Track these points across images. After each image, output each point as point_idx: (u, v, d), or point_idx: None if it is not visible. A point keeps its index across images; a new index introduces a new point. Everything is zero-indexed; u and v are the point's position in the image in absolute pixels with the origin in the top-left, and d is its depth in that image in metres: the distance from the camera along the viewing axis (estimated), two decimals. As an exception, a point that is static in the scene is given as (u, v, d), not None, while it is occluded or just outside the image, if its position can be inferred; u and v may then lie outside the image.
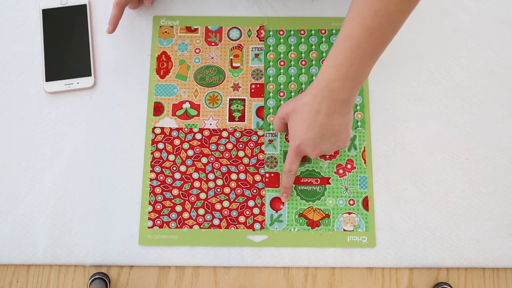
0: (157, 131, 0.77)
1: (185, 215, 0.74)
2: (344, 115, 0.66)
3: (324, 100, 0.65)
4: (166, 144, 0.77)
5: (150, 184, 0.75)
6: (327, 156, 0.76)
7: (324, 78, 0.64)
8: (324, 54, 0.81)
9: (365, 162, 0.76)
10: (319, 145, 0.68)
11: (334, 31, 0.81)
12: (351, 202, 0.75)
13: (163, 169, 0.76)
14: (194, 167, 0.76)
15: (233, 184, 0.75)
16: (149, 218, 0.74)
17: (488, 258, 0.73)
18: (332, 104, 0.65)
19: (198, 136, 0.77)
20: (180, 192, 0.75)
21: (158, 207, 0.75)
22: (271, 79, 0.80)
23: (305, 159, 0.76)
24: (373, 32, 0.61)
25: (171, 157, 0.76)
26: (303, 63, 0.80)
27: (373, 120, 0.78)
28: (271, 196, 0.75)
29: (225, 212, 0.74)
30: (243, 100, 0.79)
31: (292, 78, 0.80)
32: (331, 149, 0.69)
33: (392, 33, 0.63)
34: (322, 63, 0.80)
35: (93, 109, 0.79)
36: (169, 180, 0.76)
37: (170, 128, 0.78)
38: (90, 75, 0.79)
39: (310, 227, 0.74)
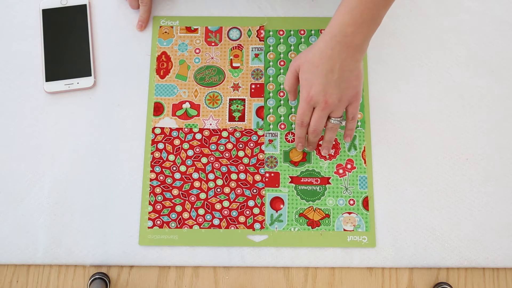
0: (157, 131, 0.78)
1: (185, 215, 0.74)
2: (356, 61, 0.67)
3: (338, 45, 0.65)
4: (166, 144, 0.77)
5: (150, 184, 0.75)
6: (327, 156, 0.76)
7: (337, 24, 0.65)
8: (324, 54, 0.81)
9: (365, 162, 0.76)
10: (329, 90, 0.67)
11: (334, 31, 0.81)
12: (351, 202, 0.75)
13: (163, 169, 0.76)
14: (194, 167, 0.76)
15: (233, 184, 0.75)
16: (149, 218, 0.74)
17: (488, 258, 0.73)
18: (345, 49, 0.65)
19: (198, 136, 0.77)
20: (180, 192, 0.75)
21: (158, 207, 0.75)
22: (271, 79, 0.80)
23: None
24: None
25: (171, 157, 0.76)
26: (303, 63, 0.80)
27: (373, 120, 0.78)
28: (271, 196, 0.75)
29: (225, 212, 0.74)
30: (243, 100, 0.79)
31: (292, 78, 0.80)
32: (341, 98, 0.68)
33: None
34: None
35: (93, 109, 0.79)
36: (169, 180, 0.76)
37: (170, 128, 0.78)
38: (90, 75, 0.79)
39: (310, 227, 0.74)
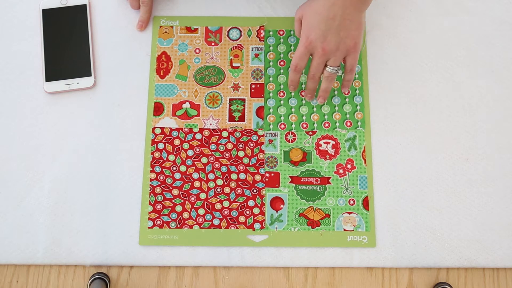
0: (157, 131, 0.78)
1: (185, 215, 0.74)
2: (358, 11, 0.68)
3: None
4: (166, 144, 0.77)
5: (150, 184, 0.75)
6: (327, 156, 0.76)
7: None
8: (324, 54, 0.81)
9: (365, 162, 0.76)
10: (328, 37, 0.68)
11: (334, 31, 0.81)
12: (351, 202, 0.75)
13: (163, 169, 0.76)
14: (194, 167, 0.76)
15: (233, 184, 0.75)
16: (149, 218, 0.74)
17: (488, 258, 0.73)
18: None
19: (198, 136, 0.77)
20: (180, 192, 0.75)
21: (158, 207, 0.75)
22: (271, 79, 0.80)
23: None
24: None
25: (171, 157, 0.76)
26: (303, 63, 0.80)
27: (373, 120, 0.78)
28: (271, 196, 0.75)
29: (225, 212, 0.74)
30: (243, 100, 0.79)
31: (292, 78, 0.80)
32: (339, 46, 0.69)
33: None
34: None
35: (93, 109, 0.79)
36: (169, 180, 0.76)
37: (170, 128, 0.78)
38: (90, 75, 0.79)
39: (310, 227, 0.74)
